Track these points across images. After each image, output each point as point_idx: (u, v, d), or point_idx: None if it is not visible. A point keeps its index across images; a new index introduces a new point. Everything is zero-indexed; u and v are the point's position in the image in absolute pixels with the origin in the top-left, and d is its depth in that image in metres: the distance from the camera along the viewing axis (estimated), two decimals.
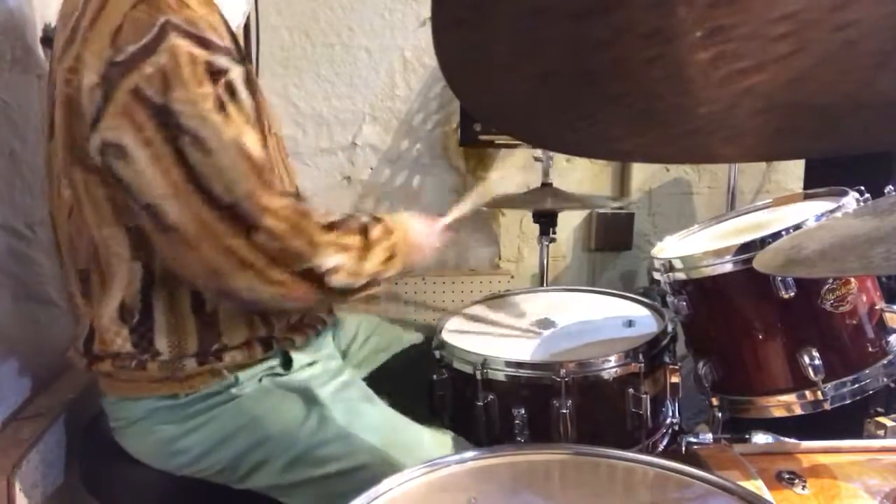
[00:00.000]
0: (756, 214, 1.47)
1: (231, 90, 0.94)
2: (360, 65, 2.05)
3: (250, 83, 1.00)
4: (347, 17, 2.02)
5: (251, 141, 0.95)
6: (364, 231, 1.04)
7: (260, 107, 1.03)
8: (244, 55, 1.03)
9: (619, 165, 2.22)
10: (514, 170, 1.71)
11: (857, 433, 1.17)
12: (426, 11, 1.97)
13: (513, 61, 0.58)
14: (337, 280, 0.99)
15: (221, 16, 1.00)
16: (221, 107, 0.92)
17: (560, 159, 2.07)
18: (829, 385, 1.17)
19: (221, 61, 0.93)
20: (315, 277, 0.97)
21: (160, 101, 0.89)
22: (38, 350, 1.29)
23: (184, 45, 0.89)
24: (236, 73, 0.95)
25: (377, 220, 1.08)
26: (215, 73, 0.92)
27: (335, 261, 0.99)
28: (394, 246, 1.07)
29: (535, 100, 0.64)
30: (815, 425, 1.20)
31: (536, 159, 1.92)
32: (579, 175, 2.21)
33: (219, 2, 1.06)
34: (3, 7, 1.21)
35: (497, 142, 2.03)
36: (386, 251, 1.06)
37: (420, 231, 1.15)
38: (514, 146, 2.05)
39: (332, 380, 1.12)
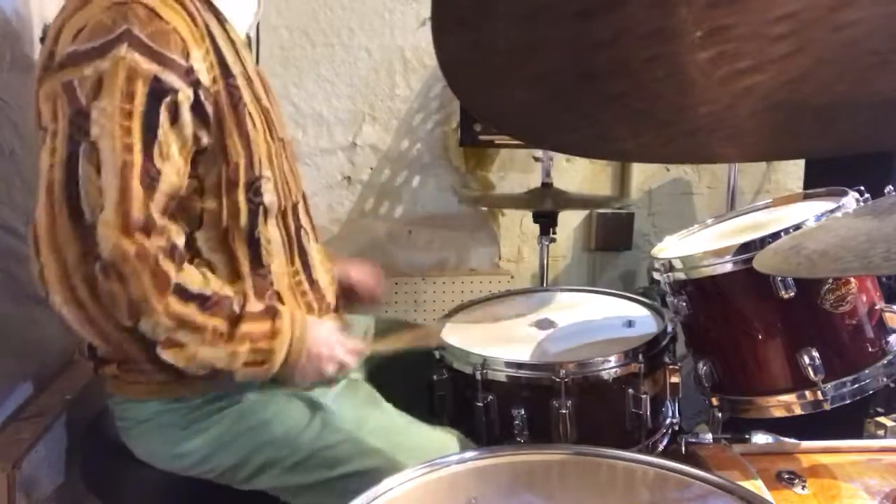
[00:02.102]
0: (756, 214, 1.47)
1: (175, 111, 0.93)
2: (360, 65, 2.05)
3: (230, 97, 1.00)
4: (347, 17, 2.02)
5: (168, 170, 0.92)
6: (233, 320, 0.96)
7: (252, 115, 1.02)
8: (227, 71, 1.01)
9: (619, 165, 2.22)
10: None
11: (857, 433, 1.17)
12: (426, 11, 1.97)
13: (513, 61, 0.58)
14: (169, 356, 0.92)
15: (207, 31, 1.00)
16: (147, 126, 0.90)
17: (560, 159, 2.07)
18: (829, 385, 1.17)
19: (171, 79, 0.92)
20: (142, 342, 0.91)
21: (83, 104, 0.89)
22: (38, 350, 1.29)
23: (131, 59, 0.89)
24: (185, 96, 0.94)
25: (271, 313, 1.00)
26: (161, 91, 0.91)
27: (173, 335, 0.91)
28: (270, 350, 0.98)
29: (535, 100, 0.64)
30: (815, 425, 1.20)
31: (536, 159, 1.93)
32: (579, 175, 2.21)
33: (225, 9, 1.06)
34: (2, 7, 1.21)
35: (497, 142, 2.03)
36: (252, 353, 0.97)
37: (322, 340, 1.04)
38: (514, 146, 2.05)
39: (338, 383, 1.11)
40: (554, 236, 1.83)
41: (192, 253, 1.01)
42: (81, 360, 1.09)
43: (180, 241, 0.96)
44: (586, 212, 2.22)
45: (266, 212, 1.06)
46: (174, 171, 0.94)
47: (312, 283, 1.15)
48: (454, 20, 0.52)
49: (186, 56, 0.94)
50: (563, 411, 1.12)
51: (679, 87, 0.58)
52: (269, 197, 1.05)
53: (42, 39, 1.28)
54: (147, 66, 0.90)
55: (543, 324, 1.35)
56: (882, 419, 1.16)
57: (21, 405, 1.22)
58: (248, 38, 1.22)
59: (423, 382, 1.25)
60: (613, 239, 2.24)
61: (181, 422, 1.05)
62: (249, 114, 1.03)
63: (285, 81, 2.02)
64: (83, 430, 1.20)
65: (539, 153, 1.90)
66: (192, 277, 0.95)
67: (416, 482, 0.77)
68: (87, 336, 0.93)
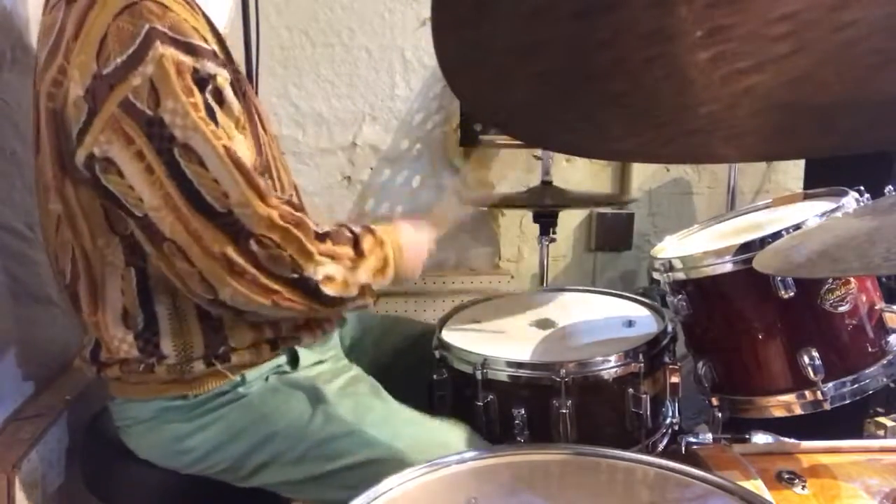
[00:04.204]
0: (756, 214, 1.47)
1: (219, 95, 0.94)
2: (360, 65, 2.05)
3: (238, 84, 1.01)
4: (347, 17, 2.02)
5: (242, 148, 0.95)
6: (355, 242, 1.04)
7: (251, 106, 1.03)
8: (230, 57, 1.02)
9: (619, 165, 2.22)
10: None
11: (857, 433, 1.17)
12: (426, 11, 1.97)
13: (513, 61, 0.58)
14: (330, 290, 0.99)
15: (206, 17, 1.00)
16: (211, 115, 0.92)
17: (560, 159, 2.07)
18: (828, 385, 1.17)
19: (208, 67, 0.92)
20: (308, 287, 0.98)
21: (151, 113, 0.89)
22: (38, 350, 1.30)
23: (170, 54, 0.89)
24: (223, 78, 0.94)
25: (368, 230, 1.08)
26: (203, 80, 0.92)
27: (328, 271, 0.99)
28: (386, 256, 1.07)
29: (535, 100, 0.64)
30: (815, 425, 1.20)
31: (536, 159, 1.93)
32: (579, 175, 2.21)
33: (202, 3, 1.06)
34: (1, 7, 1.21)
35: (497, 142, 2.03)
36: (378, 261, 1.06)
37: (412, 239, 1.14)
38: (514, 146, 2.05)
39: (340, 376, 1.12)
40: (554, 236, 1.83)
41: None
42: (83, 365, 1.09)
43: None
44: (586, 212, 2.22)
45: None
46: (243, 148, 0.96)
47: None
48: (454, 20, 0.52)
49: (206, 41, 0.94)
50: (564, 411, 1.12)
51: (679, 87, 0.58)
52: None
53: None
54: (184, 58, 0.90)
55: (543, 323, 1.35)
56: (882, 419, 1.16)
57: (21, 405, 1.22)
58: (248, 37, 1.23)
59: (423, 382, 1.25)
60: (613, 239, 2.24)
61: (183, 419, 1.05)
62: (252, 101, 1.05)
63: (285, 81, 2.02)
64: (83, 430, 1.20)
65: (539, 152, 1.90)
66: (311, 220, 1.01)
67: (416, 482, 0.77)
68: (261, 309, 0.98)
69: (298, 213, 0.97)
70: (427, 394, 1.24)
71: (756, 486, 0.90)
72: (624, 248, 2.26)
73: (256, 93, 1.48)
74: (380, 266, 1.06)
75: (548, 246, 1.85)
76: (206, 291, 0.95)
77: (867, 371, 1.19)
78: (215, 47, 0.96)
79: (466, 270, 2.20)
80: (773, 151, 0.91)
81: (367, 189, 2.12)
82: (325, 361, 1.15)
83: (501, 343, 1.27)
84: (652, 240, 2.21)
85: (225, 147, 0.91)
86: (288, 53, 2.01)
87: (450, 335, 1.29)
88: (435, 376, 1.23)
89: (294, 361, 1.11)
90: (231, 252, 0.92)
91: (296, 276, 0.96)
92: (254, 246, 0.93)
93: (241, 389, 1.06)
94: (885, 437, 1.12)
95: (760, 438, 1.21)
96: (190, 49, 0.91)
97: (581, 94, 0.62)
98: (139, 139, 0.89)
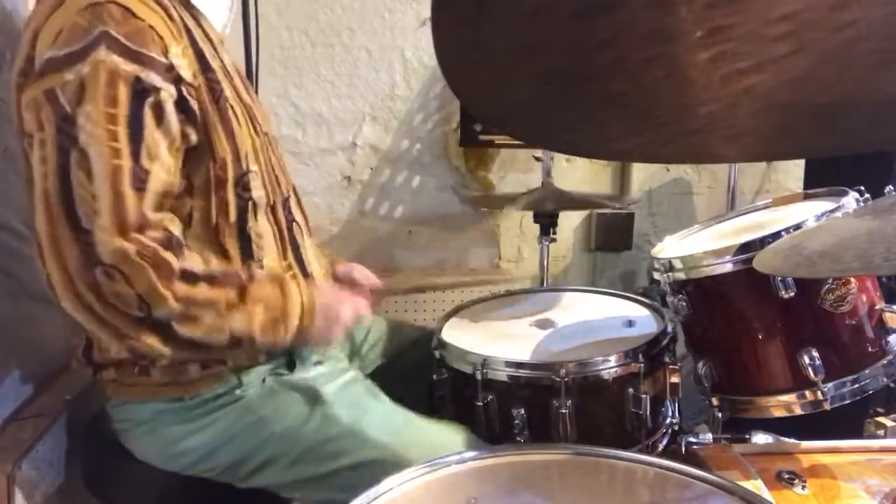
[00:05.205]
0: (756, 214, 1.47)
1: (160, 111, 0.93)
2: (360, 65, 2.05)
3: (212, 93, 1.00)
4: (347, 17, 2.02)
5: (158, 170, 0.93)
6: (242, 287, 0.97)
7: (229, 114, 1.02)
8: (207, 64, 1.01)
9: (619, 165, 2.22)
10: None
11: (857, 433, 1.17)
12: (426, 11, 1.97)
13: (513, 61, 0.58)
14: (187, 331, 0.94)
15: (184, 26, 0.99)
16: (135, 128, 0.91)
17: (560, 159, 2.07)
18: (829, 385, 1.17)
19: (153, 79, 0.92)
20: (159, 327, 0.93)
21: (69, 110, 0.89)
22: (38, 350, 1.29)
23: (111, 61, 0.89)
24: (168, 94, 0.94)
25: (277, 280, 1.02)
26: (144, 91, 0.91)
27: (189, 311, 0.93)
28: (286, 311, 1.00)
29: (535, 100, 0.64)
30: (815, 425, 1.20)
31: (537, 159, 1.93)
32: (579, 175, 2.21)
33: (200, 4, 1.06)
34: (1, 8, 1.21)
35: (497, 142, 2.03)
36: (271, 313, 0.98)
37: (330, 305, 1.06)
38: (514, 146, 2.05)
39: (338, 377, 1.12)
40: (554, 236, 1.84)
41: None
42: (80, 366, 1.09)
43: (177, 230, 0.97)
44: (586, 212, 2.23)
45: (255, 206, 1.06)
46: (164, 169, 0.94)
47: (307, 276, 1.15)
48: (454, 20, 0.52)
49: (165, 53, 0.94)
50: (563, 411, 1.12)
51: (679, 87, 0.58)
52: (257, 192, 1.06)
53: None
54: (127, 67, 0.90)
55: (543, 323, 1.35)
56: (882, 419, 1.15)
57: (21, 405, 1.22)
58: (248, 37, 1.22)
59: (423, 382, 1.25)
60: (613, 239, 2.24)
61: (181, 420, 1.05)
62: (232, 108, 1.03)
63: (285, 81, 2.02)
64: (83, 430, 1.20)
65: (539, 152, 1.90)
66: (196, 259, 0.97)
67: (416, 482, 0.77)
68: (103, 337, 0.95)
69: (165, 253, 0.92)
70: (427, 394, 1.24)
71: (756, 486, 0.90)
72: (624, 248, 2.26)
73: (257, 92, 1.48)
74: (272, 318, 0.99)
75: (548, 246, 1.85)
76: (53, 296, 0.93)
77: (867, 371, 1.19)
78: (178, 60, 0.95)
79: (466, 270, 2.20)
80: (773, 151, 0.91)
81: (367, 189, 2.12)
82: (323, 362, 1.15)
83: (501, 343, 1.27)
84: (652, 240, 2.21)
85: (115, 167, 0.89)
86: (288, 53, 2.01)
87: (450, 335, 1.29)
88: (435, 376, 1.23)
89: (291, 364, 1.10)
90: (76, 270, 0.89)
91: (141, 314, 0.91)
92: (100, 276, 0.89)
93: (238, 392, 1.06)
94: (885, 437, 1.12)
95: (760, 438, 1.21)
96: (139, 59, 0.91)
97: (581, 94, 0.62)
98: (49, 129, 0.90)
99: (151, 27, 0.93)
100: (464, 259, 2.21)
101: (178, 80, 0.95)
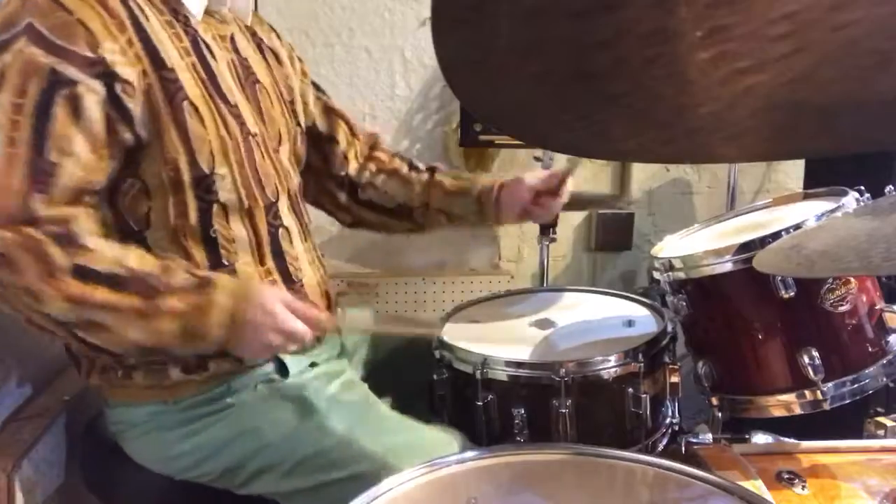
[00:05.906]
0: (756, 214, 1.47)
1: (75, 105, 0.91)
2: (360, 65, 2.05)
3: (165, 91, 0.96)
4: (347, 17, 2.02)
5: (70, 165, 0.91)
6: (151, 297, 0.91)
7: (183, 112, 0.98)
8: (161, 64, 0.97)
9: (619, 165, 2.22)
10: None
11: (857, 433, 1.17)
12: (426, 11, 1.96)
13: (513, 61, 0.58)
14: (93, 339, 0.92)
15: (133, 21, 0.95)
16: (40, 118, 0.89)
17: (560, 159, 2.07)
18: (828, 385, 1.17)
19: (71, 72, 0.90)
20: (64, 327, 0.91)
21: None
22: (37, 350, 1.29)
23: (29, 53, 0.89)
24: (88, 89, 0.91)
25: (204, 290, 0.94)
26: (59, 83, 0.90)
27: (86, 316, 0.90)
28: (203, 329, 0.93)
29: (535, 100, 0.64)
30: (814, 425, 1.20)
31: (536, 159, 1.93)
32: (579, 175, 2.20)
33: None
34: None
35: (497, 142, 2.03)
36: (184, 329, 0.93)
37: (261, 327, 0.96)
38: (514, 146, 2.04)
39: (332, 382, 1.10)
40: (554, 236, 1.83)
41: (145, 251, 0.99)
42: (72, 364, 1.09)
43: (84, 226, 0.93)
44: (586, 212, 2.22)
45: (226, 210, 1.03)
46: (79, 165, 0.92)
47: (291, 283, 1.11)
48: (454, 20, 0.52)
49: (95, 48, 0.91)
50: (563, 411, 1.12)
51: (679, 87, 0.58)
52: (225, 195, 1.02)
53: None
54: (44, 59, 0.89)
55: (543, 323, 1.35)
56: (882, 419, 1.16)
57: (21, 405, 1.22)
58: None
59: (423, 382, 1.24)
60: (613, 239, 2.24)
61: (173, 425, 1.04)
62: (193, 107, 0.99)
63: None
64: (82, 431, 1.20)
65: (539, 153, 1.90)
66: (102, 258, 0.92)
67: (416, 482, 0.77)
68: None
69: (51, 248, 0.88)
70: (427, 394, 1.24)
71: (756, 486, 0.90)
72: (624, 248, 2.26)
73: None
74: (185, 329, 0.93)
75: (548, 246, 1.85)
76: None
77: (867, 371, 1.19)
78: (112, 56, 0.92)
79: (466, 270, 2.20)
80: (773, 151, 0.91)
81: None
82: (317, 364, 1.12)
83: (501, 343, 1.27)
84: (652, 240, 2.21)
85: (9, 156, 0.88)
86: None
87: (450, 335, 1.29)
88: (435, 376, 1.23)
89: (283, 369, 1.08)
90: None
91: (34, 306, 0.89)
92: None
93: (228, 399, 1.04)
94: (885, 437, 1.12)
95: (760, 438, 1.21)
96: (58, 52, 0.90)
97: (581, 94, 0.62)
98: None
99: (80, 21, 0.91)
100: (464, 259, 2.20)
101: (109, 77, 0.92)
